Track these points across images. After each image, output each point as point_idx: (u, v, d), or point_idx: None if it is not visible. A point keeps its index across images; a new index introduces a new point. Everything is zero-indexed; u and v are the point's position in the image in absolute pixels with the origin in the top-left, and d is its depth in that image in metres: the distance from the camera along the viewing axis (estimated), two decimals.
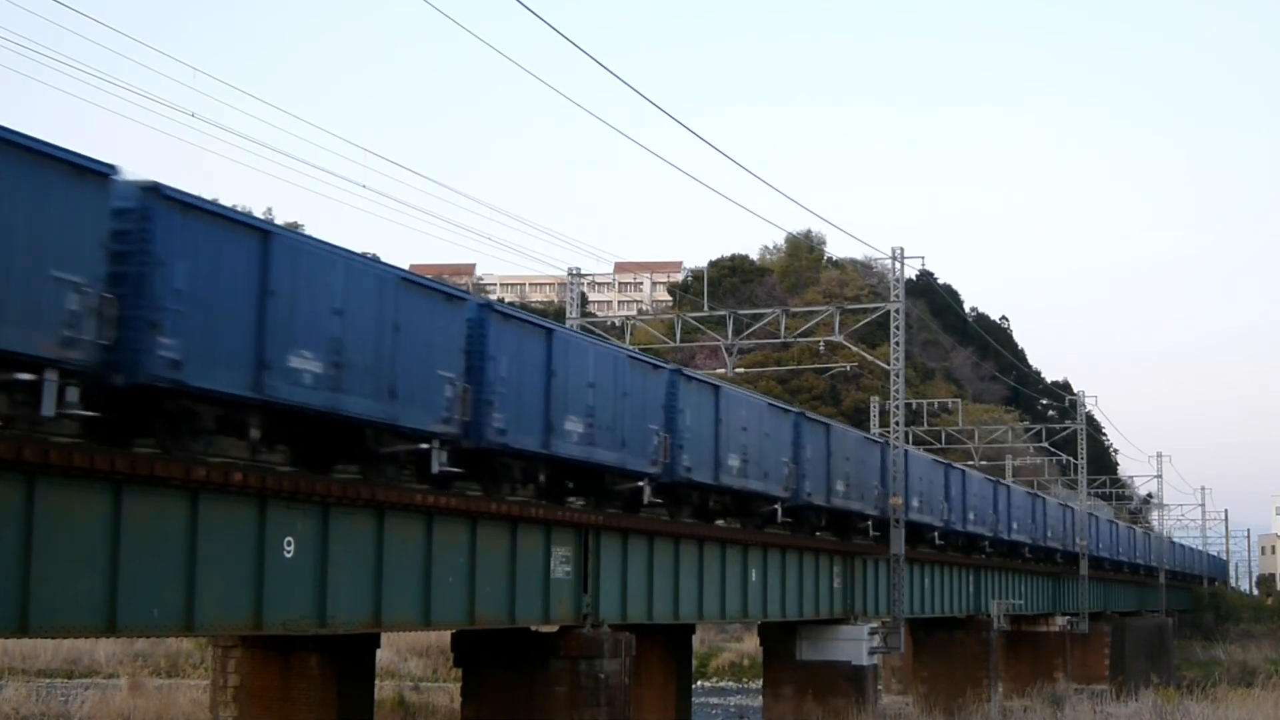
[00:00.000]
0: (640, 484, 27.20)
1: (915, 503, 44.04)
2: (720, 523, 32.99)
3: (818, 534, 38.02)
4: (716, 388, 30.66)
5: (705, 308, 49.17)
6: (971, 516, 50.89)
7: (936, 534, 47.47)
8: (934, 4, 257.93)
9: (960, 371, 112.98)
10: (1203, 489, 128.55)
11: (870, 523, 40.73)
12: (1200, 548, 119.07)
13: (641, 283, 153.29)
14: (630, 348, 31.53)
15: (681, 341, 45.78)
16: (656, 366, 28.54)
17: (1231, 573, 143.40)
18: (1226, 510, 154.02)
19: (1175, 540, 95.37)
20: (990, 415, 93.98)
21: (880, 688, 47.82)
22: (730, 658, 70.93)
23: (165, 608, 17.12)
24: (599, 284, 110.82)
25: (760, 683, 43.58)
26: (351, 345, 19.38)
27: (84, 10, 23.96)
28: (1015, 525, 57.28)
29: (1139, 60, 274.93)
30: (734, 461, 30.71)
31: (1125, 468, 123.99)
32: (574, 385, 24.61)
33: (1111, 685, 58.12)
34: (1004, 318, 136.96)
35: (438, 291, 21.64)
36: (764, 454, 32.51)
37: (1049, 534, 62.11)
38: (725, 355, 45.99)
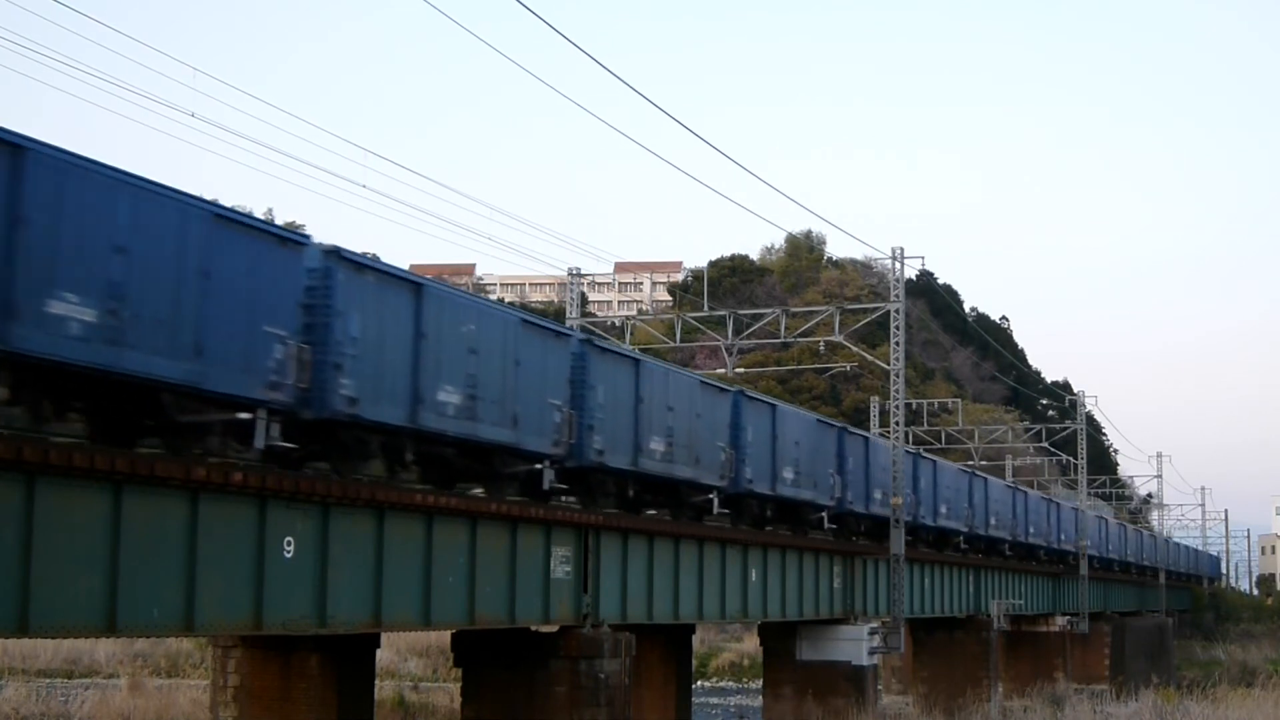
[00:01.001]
0: (539, 466, 23.46)
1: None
2: (652, 513, 29.33)
3: (812, 534, 37.87)
4: (636, 361, 27.45)
5: (705, 308, 49.16)
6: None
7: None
8: (934, 5, 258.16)
9: (960, 371, 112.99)
10: (1203, 489, 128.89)
11: (824, 514, 36.93)
12: (1200, 547, 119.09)
13: (641, 283, 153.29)
14: (525, 311, 26.93)
15: (681, 341, 45.78)
16: (560, 334, 24.69)
17: (1231, 572, 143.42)
18: (1226, 510, 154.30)
19: (1168, 539, 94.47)
20: (990, 415, 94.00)
21: (880, 688, 47.81)
22: (730, 658, 70.94)
23: (165, 608, 17.12)
24: (599, 284, 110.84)
25: (760, 683, 43.58)
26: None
27: (84, 10, 23.98)
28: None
29: (1138, 60, 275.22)
30: (658, 445, 27.51)
31: (1125, 468, 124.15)
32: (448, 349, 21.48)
33: (1111, 685, 58.14)
34: (1004, 318, 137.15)
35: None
36: (696, 437, 28.94)
37: (1061, 536, 62.23)
38: (725, 355, 45.99)
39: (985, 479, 53.38)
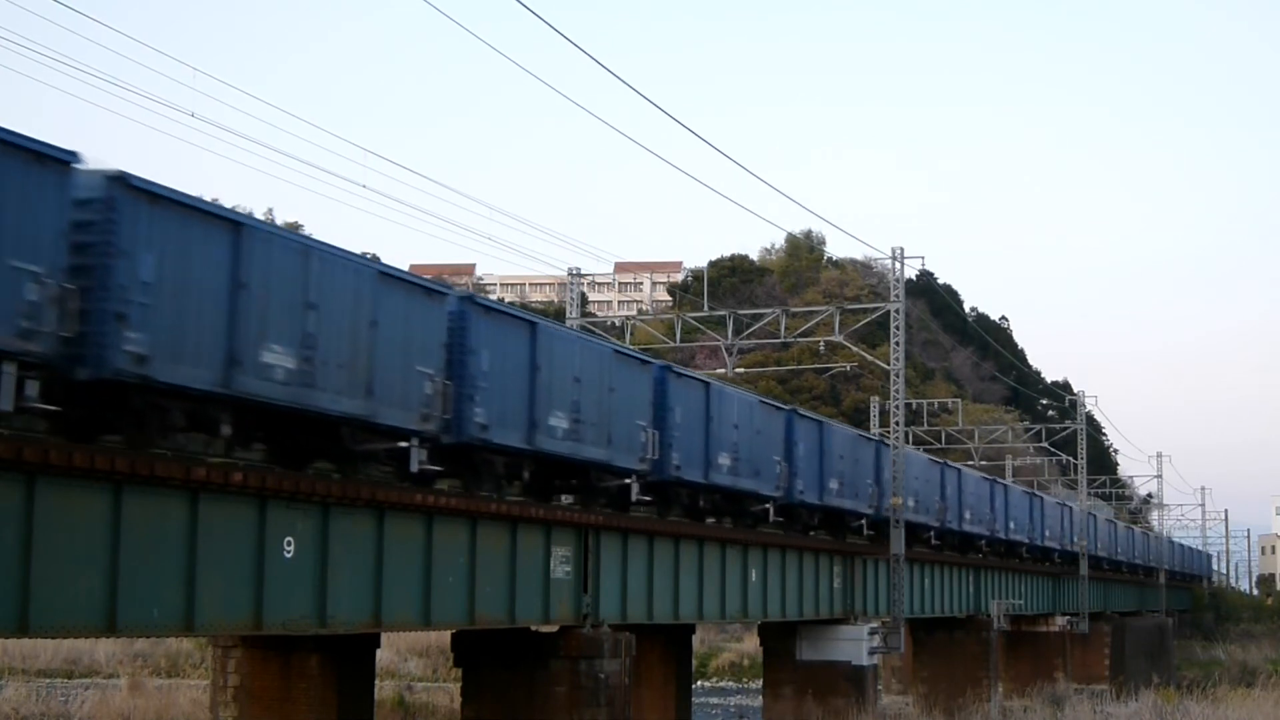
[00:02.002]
0: (406, 445, 21.19)
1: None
2: (567, 497, 27.39)
3: (812, 533, 37.89)
4: (533, 325, 24.24)
5: (705, 308, 49.17)
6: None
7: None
8: (934, 5, 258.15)
9: (960, 371, 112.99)
10: (1203, 489, 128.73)
11: (769, 505, 33.87)
12: (1201, 547, 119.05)
13: (641, 283, 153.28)
14: (385, 265, 22.16)
15: (681, 341, 45.79)
16: (432, 291, 21.63)
17: (1231, 572, 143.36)
18: (1226, 510, 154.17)
19: (1155, 535, 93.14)
20: (990, 415, 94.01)
21: (880, 688, 47.82)
22: (730, 658, 70.95)
23: (165, 608, 17.12)
24: (599, 284, 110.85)
25: (760, 683, 43.58)
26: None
27: (84, 10, 23.97)
28: (1048, 532, 58.20)
29: (1138, 61, 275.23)
30: (559, 422, 24.17)
31: (1125, 468, 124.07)
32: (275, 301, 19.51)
33: (1111, 685, 58.12)
34: (1004, 318, 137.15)
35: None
36: (605, 414, 25.87)
37: (1064, 536, 62.29)
38: (725, 355, 46.00)
39: (959, 469, 51.90)
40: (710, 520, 31.83)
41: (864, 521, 39.97)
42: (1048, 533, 60.36)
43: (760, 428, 32.24)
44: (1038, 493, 63.49)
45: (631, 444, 26.57)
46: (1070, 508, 65.93)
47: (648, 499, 28.09)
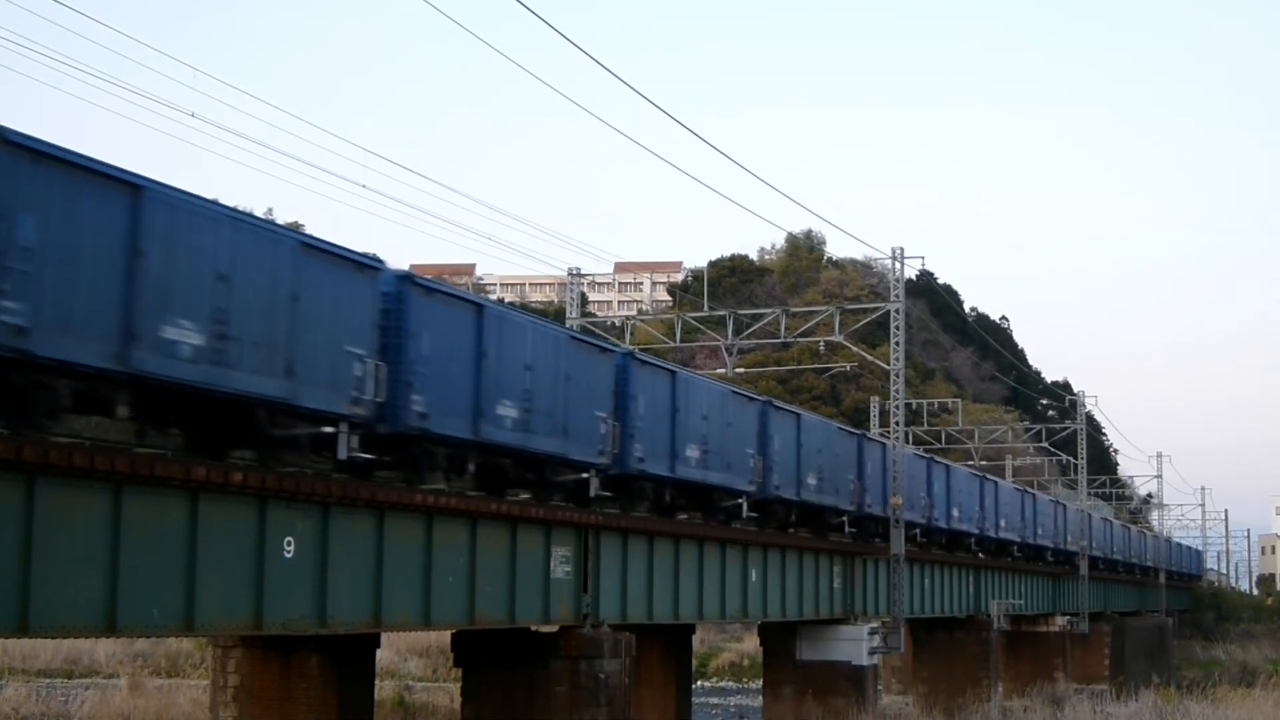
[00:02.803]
0: (334, 430, 19.80)
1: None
2: (523, 493, 26.22)
3: (791, 530, 37.50)
4: (480, 307, 22.89)
5: (705, 308, 49.18)
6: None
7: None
8: (934, 5, 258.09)
9: (960, 371, 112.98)
10: (1203, 489, 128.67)
11: (743, 501, 31.93)
12: (1201, 547, 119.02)
13: (641, 283, 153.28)
14: (309, 236, 20.47)
15: (681, 341, 45.80)
16: (364, 266, 20.21)
17: (1231, 572, 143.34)
18: (1226, 510, 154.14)
19: (1138, 530, 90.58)
20: (990, 415, 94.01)
21: (880, 688, 47.79)
22: (730, 658, 70.95)
23: (165, 608, 17.12)
24: (599, 284, 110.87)
25: (760, 683, 43.57)
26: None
27: (84, 10, 23.96)
28: (1041, 530, 58.02)
29: (1138, 61, 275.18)
30: (508, 411, 22.96)
31: (1125, 468, 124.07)
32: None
33: (1111, 685, 58.10)
34: (1004, 318, 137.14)
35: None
36: (560, 404, 24.76)
37: (1058, 535, 62.04)
38: (725, 355, 46.00)
39: (946, 465, 50.89)
40: (682, 517, 30.43)
41: (845, 519, 38.53)
42: (1040, 530, 59.56)
43: (732, 420, 30.81)
44: (1029, 490, 62.85)
45: (590, 436, 25.21)
46: (1064, 505, 65.72)
47: (608, 494, 26.69)
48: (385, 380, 19.87)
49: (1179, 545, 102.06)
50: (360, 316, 19.52)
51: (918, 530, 45.36)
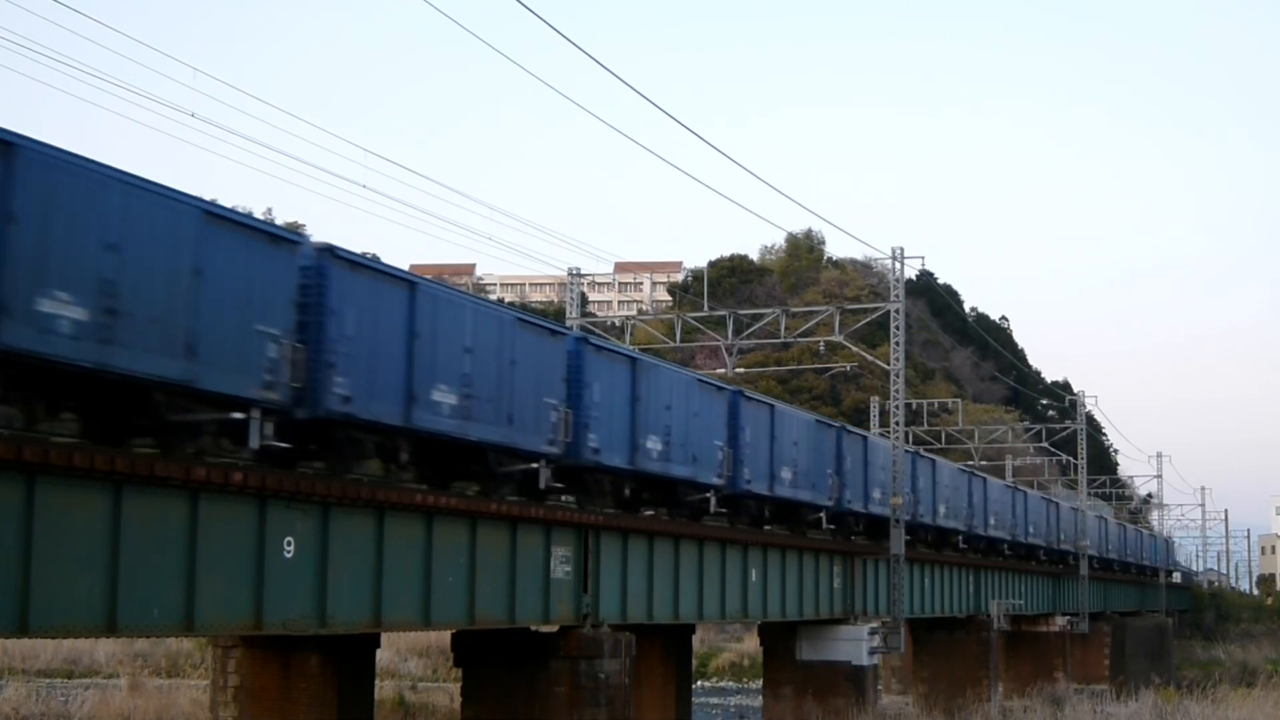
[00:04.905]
0: (243, 416, 18.49)
1: (941, 509, 46.01)
2: (649, 512, 27.64)
3: (767, 527, 37.66)
4: (413, 284, 21.39)
5: (705, 308, 49.20)
6: (992, 520, 53.14)
7: (960, 538, 49.77)
8: (933, 6, 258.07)
9: (960, 371, 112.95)
10: (1203, 489, 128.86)
11: (710, 495, 30.47)
12: (1200, 548, 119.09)
13: (641, 283, 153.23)
14: (216, 205, 18.77)
15: (681, 341, 45.79)
16: (277, 238, 18.77)
17: (1231, 572, 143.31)
18: (1226, 510, 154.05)
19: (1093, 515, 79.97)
20: (990, 415, 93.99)
21: (880, 688, 47.81)
22: (730, 658, 70.96)
23: (165, 608, 17.11)
24: (599, 284, 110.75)
25: (760, 683, 43.56)
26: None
27: (85, 11, 23.97)
28: (1033, 529, 57.59)
29: (1137, 61, 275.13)
30: (444, 397, 21.50)
31: (1125, 468, 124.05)
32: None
33: (1111, 685, 58.13)
34: (1004, 318, 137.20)
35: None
36: (504, 390, 23.20)
37: (1050, 533, 61.88)
38: (725, 355, 46.00)
39: (932, 460, 49.67)
40: (648, 512, 29.36)
41: (823, 515, 36.91)
42: (1032, 529, 58.67)
43: (699, 410, 29.35)
44: (1020, 487, 61.94)
45: (539, 424, 23.76)
46: (1057, 503, 65.37)
47: (559, 485, 25.51)
48: (303, 362, 18.39)
49: (1139, 534, 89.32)
50: (275, 293, 17.98)
51: (960, 537, 44.70)
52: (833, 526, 38.55)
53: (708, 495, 30.12)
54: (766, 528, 34.93)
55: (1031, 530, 58.88)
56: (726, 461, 30.52)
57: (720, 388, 31.61)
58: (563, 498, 26.41)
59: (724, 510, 31.84)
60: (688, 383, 29.68)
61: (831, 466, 37.13)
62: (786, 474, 33.81)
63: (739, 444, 31.09)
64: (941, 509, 47.12)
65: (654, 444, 27.40)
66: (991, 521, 52.93)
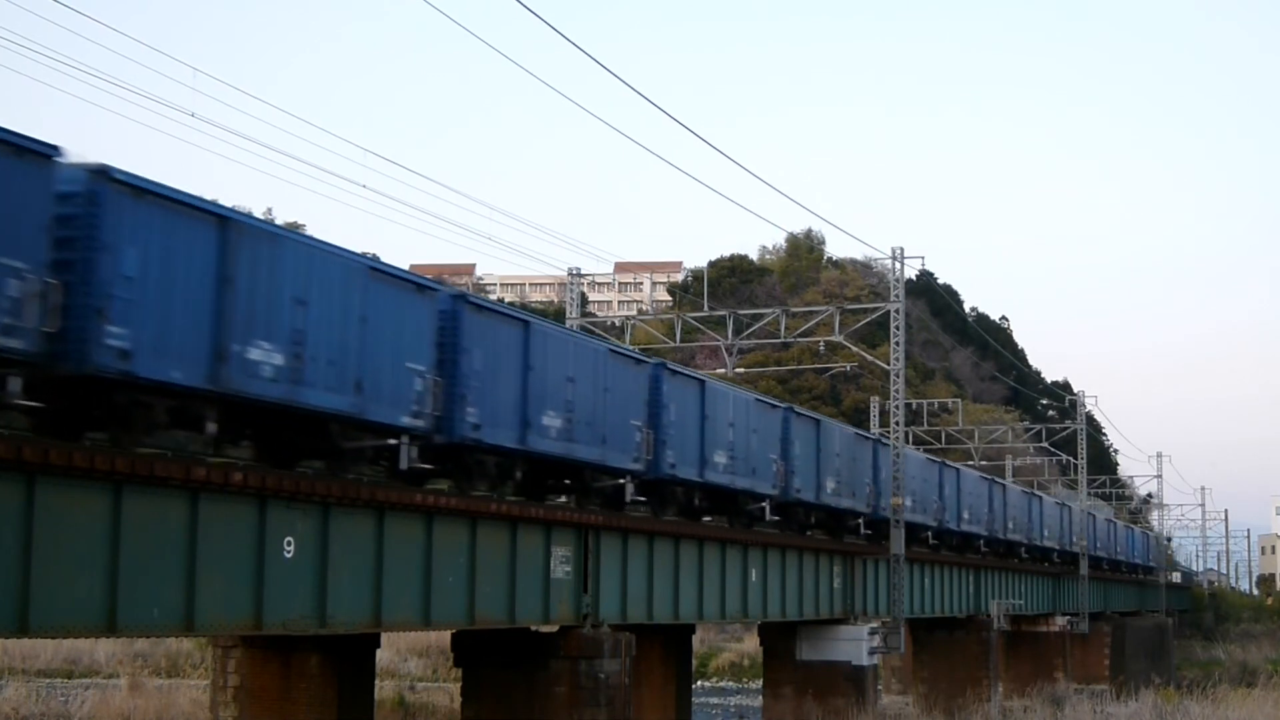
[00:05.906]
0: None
1: (965, 514, 47.76)
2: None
3: (810, 532, 37.81)
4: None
5: (705, 308, 49.18)
6: (1011, 525, 54.59)
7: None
8: (933, 6, 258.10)
9: (960, 371, 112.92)
10: (1203, 489, 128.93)
11: (627, 480, 28.45)
12: (1200, 548, 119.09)
13: (641, 283, 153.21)
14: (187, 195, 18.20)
15: (681, 341, 45.78)
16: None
17: (1231, 572, 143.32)
18: (1226, 510, 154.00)
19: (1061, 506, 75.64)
20: (990, 415, 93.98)
21: (880, 688, 47.82)
22: (730, 658, 70.95)
23: (165, 608, 17.12)
24: (599, 284, 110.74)
25: (760, 683, 43.57)
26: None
27: (85, 11, 23.96)
28: (1047, 532, 58.69)
29: (1136, 62, 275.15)
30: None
31: (1125, 468, 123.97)
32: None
33: (1111, 685, 58.12)
34: (1004, 318, 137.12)
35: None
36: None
37: (1063, 536, 62.31)
38: (725, 355, 45.99)
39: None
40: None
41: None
42: (1046, 532, 60.34)
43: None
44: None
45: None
46: (1069, 507, 65.82)
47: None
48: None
49: (1129, 531, 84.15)
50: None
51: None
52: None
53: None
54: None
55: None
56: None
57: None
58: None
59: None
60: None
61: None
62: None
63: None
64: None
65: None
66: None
